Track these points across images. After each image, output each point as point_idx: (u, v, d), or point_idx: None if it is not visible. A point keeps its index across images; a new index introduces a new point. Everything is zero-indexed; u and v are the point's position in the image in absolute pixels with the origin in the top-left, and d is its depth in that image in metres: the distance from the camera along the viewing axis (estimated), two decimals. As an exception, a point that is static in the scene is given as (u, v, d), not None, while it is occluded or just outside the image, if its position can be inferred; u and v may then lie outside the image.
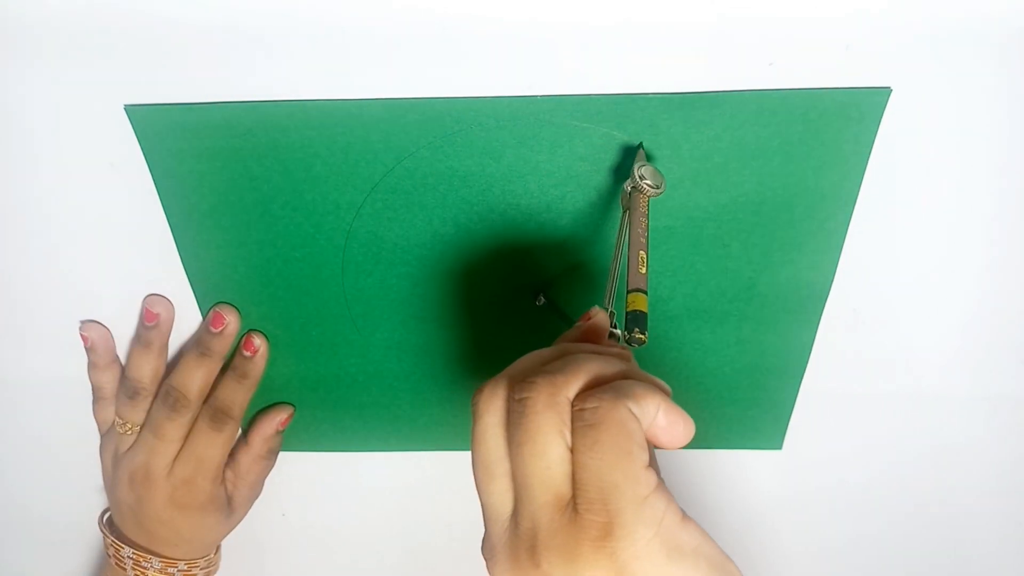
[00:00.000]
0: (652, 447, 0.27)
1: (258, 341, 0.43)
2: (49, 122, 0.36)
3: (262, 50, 0.34)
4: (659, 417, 0.25)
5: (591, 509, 0.23)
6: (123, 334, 0.44)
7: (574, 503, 0.24)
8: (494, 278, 0.41)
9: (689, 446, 0.27)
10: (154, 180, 0.38)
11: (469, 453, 0.50)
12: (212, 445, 0.44)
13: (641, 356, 0.34)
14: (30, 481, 0.51)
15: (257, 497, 0.49)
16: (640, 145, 0.36)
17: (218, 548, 0.49)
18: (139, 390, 0.43)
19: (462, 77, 0.35)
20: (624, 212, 0.35)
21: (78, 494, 0.51)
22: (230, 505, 0.46)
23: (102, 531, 0.46)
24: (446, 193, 0.38)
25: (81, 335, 0.43)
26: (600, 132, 0.36)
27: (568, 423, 0.25)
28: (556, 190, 0.38)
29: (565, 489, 0.24)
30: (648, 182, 0.34)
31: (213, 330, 0.42)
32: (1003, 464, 0.49)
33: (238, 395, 0.44)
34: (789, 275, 0.41)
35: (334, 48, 0.34)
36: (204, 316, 0.43)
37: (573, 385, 0.25)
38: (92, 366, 0.44)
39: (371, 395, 0.46)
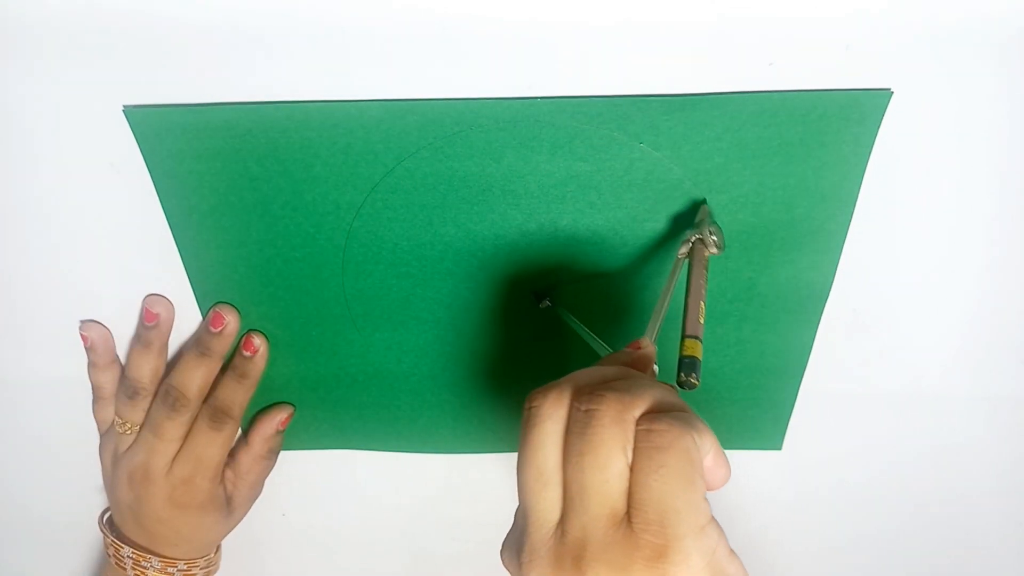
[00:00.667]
0: None
1: (258, 341, 0.43)
2: (49, 122, 0.36)
3: (262, 50, 0.34)
4: (708, 457, 0.26)
5: (648, 530, 0.23)
6: (123, 334, 0.44)
7: (629, 520, 0.24)
8: (494, 279, 0.41)
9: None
10: (153, 181, 0.38)
11: (469, 454, 0.50)
12: (212, 445, 0.44)
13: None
14: (30, 481, 0.51)
15: (257, 497, 0.49)
16: (704, 201, 0.37)
17: (218, 548, 0.49)
18: (139, 390, 0.43)
19: (462, 78, 0.35)
20: (678, 259, 0.36)
21: (78, 494, 0.51)
22: (230, 505, 0.46)
23: (102, 531, 0.46)
24: (446, 194, 0.38)
25: (81, 335, 0.43)
26: (600, 133, 0.36)
27: (631, 441, 0.25)
28: (556, 191, 0.38)
29: (621, 505, 0.24)
30: (715, 239, 0.36)
31: (213, 330, 0.42)
32: (1003, 464, 0.49)
33: (238, 395, 0.44)
34: (789, 275, 0.41)
35: (334, 48, 0.34)
36: (204, 316, 0.43)
37: (639, 406, 0.26)
38: (92, 366, 0.44)
39: (371, 395, 0.46)
